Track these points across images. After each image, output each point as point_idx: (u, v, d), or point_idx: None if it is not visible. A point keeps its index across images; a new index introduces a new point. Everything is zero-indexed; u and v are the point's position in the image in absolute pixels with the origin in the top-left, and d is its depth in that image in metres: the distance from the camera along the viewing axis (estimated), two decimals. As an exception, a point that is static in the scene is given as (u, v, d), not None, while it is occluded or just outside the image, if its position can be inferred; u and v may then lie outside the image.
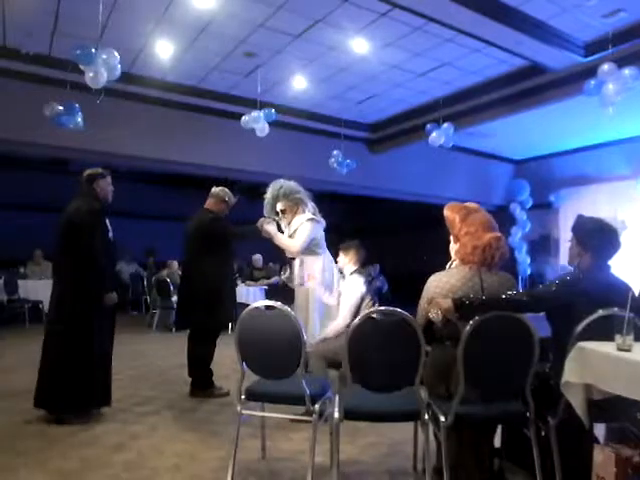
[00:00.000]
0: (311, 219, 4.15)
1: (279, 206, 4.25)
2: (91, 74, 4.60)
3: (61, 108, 5.56)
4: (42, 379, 3.61)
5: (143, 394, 4.41)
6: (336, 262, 4.14)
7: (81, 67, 4.63)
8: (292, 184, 4.27)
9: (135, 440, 3.30)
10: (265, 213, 4.36)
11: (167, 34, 5.80)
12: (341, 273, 4.12)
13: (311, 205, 4.28)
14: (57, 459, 2.95)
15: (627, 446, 1.97)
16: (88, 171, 3.88)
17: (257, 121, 6.61)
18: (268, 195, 4.31)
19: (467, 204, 2.79)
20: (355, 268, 3.98)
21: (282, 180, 4.31)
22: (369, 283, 3.96)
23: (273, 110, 6.66)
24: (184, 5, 5.14)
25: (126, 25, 5.58)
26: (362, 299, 3.79)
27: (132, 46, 6.07)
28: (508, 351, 2.36)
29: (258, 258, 9.99)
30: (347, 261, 4.00)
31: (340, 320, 3.79)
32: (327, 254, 4.19)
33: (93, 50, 4.55)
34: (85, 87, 4.81)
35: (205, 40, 5.97)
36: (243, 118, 6.64)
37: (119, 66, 4.75)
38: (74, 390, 3.57)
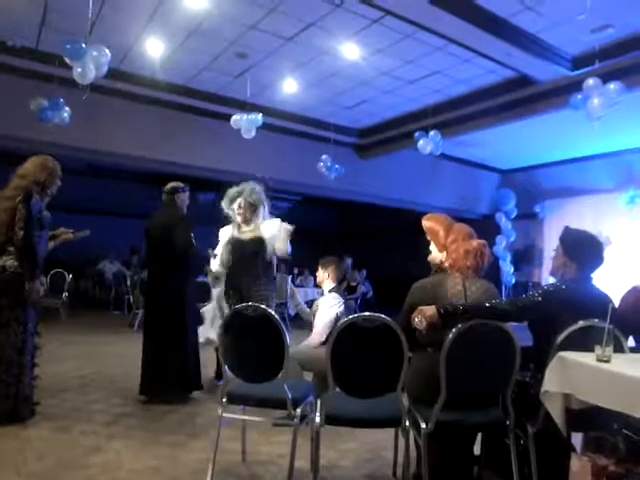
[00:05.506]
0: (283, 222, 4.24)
1: (240, 202, 4.24)
2: (79, 70, 4.54)
3: (46, 103, 5.48)
4: (147, 369, 4.18)
5: (122, 395, 4.34)
6: (315, 277, 4.13)
7: (68, 62, 4.57)
8: (257, 185, 4.36)
9: (113, 441, 3.26)
10: (223, 205, 4.38)
11: (158, 32, 5.77)
12: (319, 288, 4.11)
13: (267, 209, 4.36)
14: (33, 460, 2.89)
15: (603, 455, 2.00)
16: (171, 184, 4.43)
17: (249, 122, 6.58)
18: (232, 190, 4.33)
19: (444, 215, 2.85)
20: (333, 285, 3.97)
21: (251, 181, 4.40)
22: (345, 303, 3.93)
23: (260, 115, 6.64)
24: (176, 4, 5.12)
25: (116, 21, 5.54)
26: (337, 319, 3.66)
27: (122, 43, 6.02)
28: (490, 359, 2.38)
29: None
30: (326, 277, 3.98)
31: (315, 336, 3.78)
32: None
33: (83, 45, 4.50)
34: (73, 83, 4.76)
35: (196, 40, 5.95)
36: (234, 117, 6.61)
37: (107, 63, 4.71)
38: (174, 376, 4.14)
